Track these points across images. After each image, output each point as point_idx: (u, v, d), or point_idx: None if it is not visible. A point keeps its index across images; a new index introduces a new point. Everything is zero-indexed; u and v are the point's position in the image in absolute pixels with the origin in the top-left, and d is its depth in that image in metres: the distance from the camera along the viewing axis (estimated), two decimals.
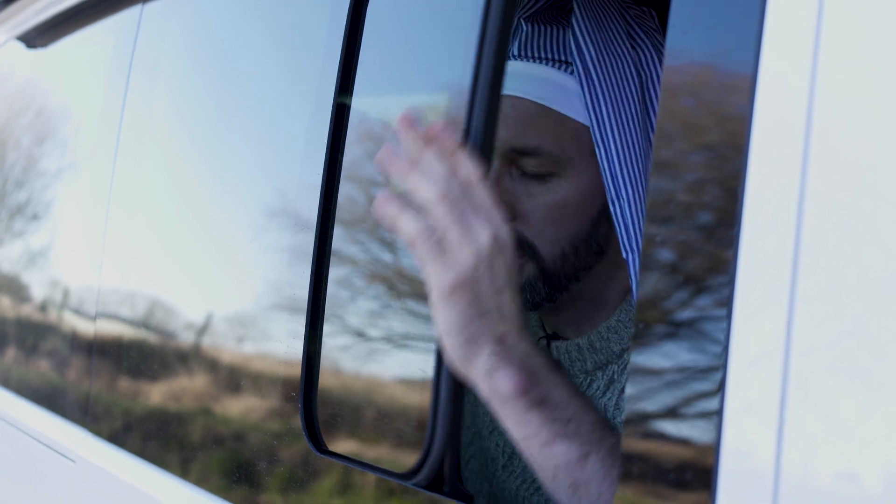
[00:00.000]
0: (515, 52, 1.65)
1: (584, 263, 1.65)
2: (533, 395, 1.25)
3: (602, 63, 1.62)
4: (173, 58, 2.44)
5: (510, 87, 1.59)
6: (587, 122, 1.61)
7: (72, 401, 2.62)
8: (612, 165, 1.57)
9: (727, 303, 1.03)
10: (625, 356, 1.65)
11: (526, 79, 1.63)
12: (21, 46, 3.52)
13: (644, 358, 1.12)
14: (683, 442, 1.07)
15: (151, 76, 2.48)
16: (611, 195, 1.56)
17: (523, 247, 1.60)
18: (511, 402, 1.25)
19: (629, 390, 1.12)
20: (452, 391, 1.35)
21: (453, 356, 1.27)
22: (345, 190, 1.72)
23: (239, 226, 2.09)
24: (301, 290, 1.75)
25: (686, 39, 1.12)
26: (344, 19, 1.74)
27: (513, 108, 1.61)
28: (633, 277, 1.54)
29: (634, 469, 1.11)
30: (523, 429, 1.26)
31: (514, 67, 1.63)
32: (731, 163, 1.05)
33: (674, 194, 1.12)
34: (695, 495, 1.04)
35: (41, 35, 3.33)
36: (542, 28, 1.66)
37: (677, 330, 1.10)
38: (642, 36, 1.67)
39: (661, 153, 1.13)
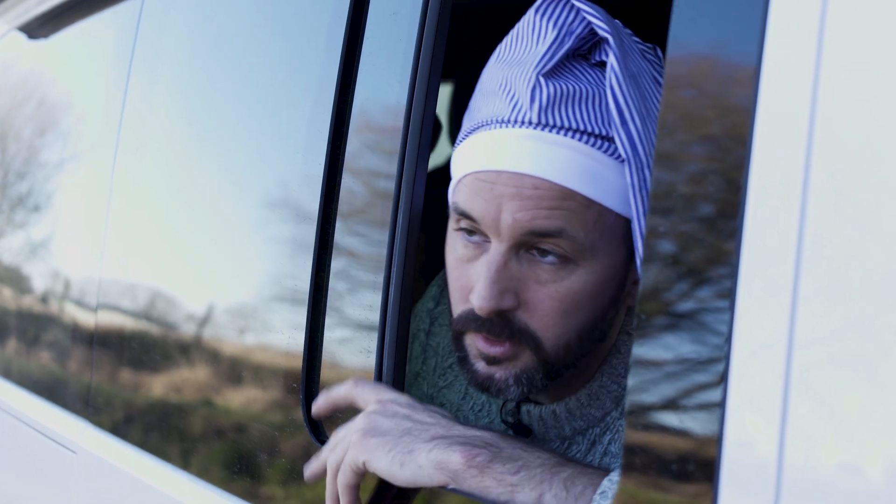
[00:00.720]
0: (534, 119, 1.43)
1: (586, 351, 1.51)
2: (481, 458, 1.32)
3: (648, 138, 1.42)
4: (174, 49, 2.43)
5: (530, 165, 1.42)
6: (614, 208, 1.44)
7: (73, 392, 2.62)
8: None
9: (729, 295, 1.03)
10: (607, 419, 1.55)
11: (550, 156, 1.43)
12: (23, 37, 3.51)
13: (646, 350, 1.12)
14: (685, 434, 1.07)
15: (152, 67, 2.48)
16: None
17: (525, 338, 1.46)
18: (464, 473, 1.32)
19: (631, 382, 1.12)
20: (394, 377, 1.52)
21: (405, 473, 1.36)
22: (346, 181, 1.72)
23: (240, 217, 2.09)
24: (302, 281, 1.75)
25: (689, 30, 1.12)
26: (346, 10, 1.74)
27: (535, 188, 1.42)
28: None
29: (637, 461, 1.11)
30: (487, 493, 1.31)
31: (535, 139, 1.43)
32: (733, 155, 1.05)
33: (676, 186, 1.12)
34: (697, 487, 1.04)
35: (43, 26, 3.32)
36: (569, 89, 1.44)
37: (679, 322, 1.10)
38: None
39: (663, 145, 1.13)
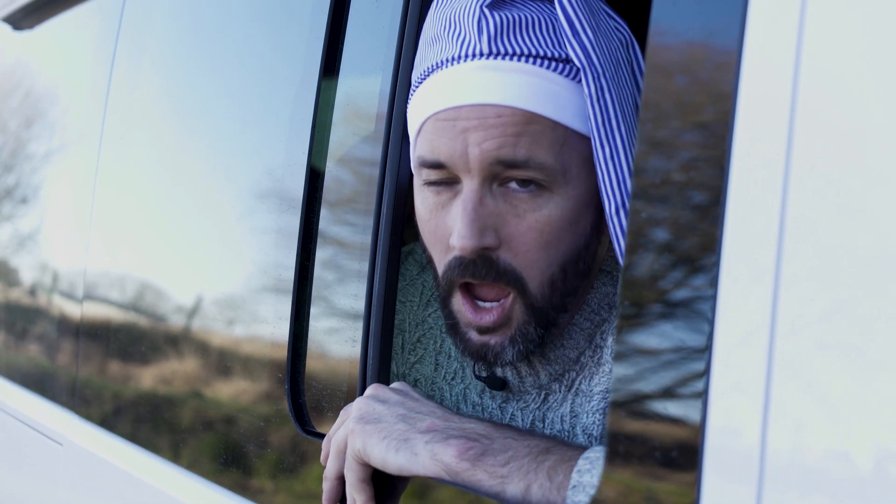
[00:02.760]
0: (484, 50, 1.42)
1: (571, 287, 1.48)
2: (473, 451, 1.32)
3: (601, 50, 1.42)
4: (158, 38, 2.43)
5: (488, 94, 1.41)
6: (577, 128, 1.43)
7: (59, 384, 2.62)
8: (618, 173, 1.38)
9: (713, 282, 1.02)
10: (582, 360, 1.53)
11: (507, 83, 1.42)
12: (7, 28, 3.50)
13: (630, 338, 1.11)
14: (670, 421, 1.07)
15: (137, 57, 2.47)
16: (613, 207, 1.38)
17: (510, 279, 1.44)
18: (457, 467, 1.32)
19: (617, 371, 1.12)
20: (379, 368, 1.54)
21: (399, 460, 1.36)
22: (331, 170, 1.71)
23: (226, 207, 2.08)
24: (287, 270, 1.75)
25: (671, 16, 1.11)
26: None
27: (497, 116, 1.40)
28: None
29: (621, 448, 1.11)
30: (480, 486, 1.32)
31: (489, 69, 1.42)
32: (716, 140, 1.04)
33: (658, 172, 1.11)
34: (681, 474, 1.04)
35: (28, 16, 3.31)
36: (515, 17, 1.43)
37: (663, 308, 1.09)
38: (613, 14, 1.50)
39: (645, 130, 1.12)
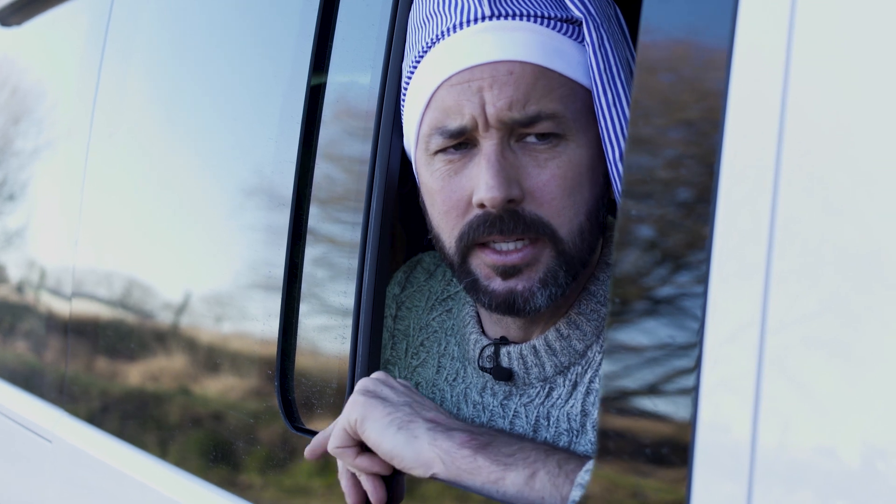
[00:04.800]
0: (486, 13, 1.47)
1: (594, 241, 1.50)
2: (477, 441, 1.32)
3: (595, 4, 1.49)
4: (147, 35, 2.42)
5: (499, 52, 1.46)
6: (582, 81, 1.47)
7: (48, 381, 2.61)
8: (619, 121, 1.43)
9: (703, 279, 1.03)
10: (589, 354, 1.52)
11: (515, 40, 1.46)
12: None
13: (620, 334, 1.12)
14: (660, 417, 1.07)
15: (125, 54, 2.46)
16: (616, 154, 1.43)
17: (540, 229, 1.45)
18: (459, 454, 1.32)
19: (606, 367, 1.12)
20: (368, 363, 1.53)
21: (398, 438, 1.36)
22: (320, 167, 1.71)
23: (214, 204, 2.08)
24: (277, 268, 1.75)
25: (660, 15, 1.11)
26: None
27: (509, 73, 1.45)
28: None
29: (611, 445, 1.11)
30: (476, 476, 1.31)
31: (495, 29, 1.47)
32: (706, 138, 1.04)
33: (649, 170, 1.11)
34: (671, 471, 1.04)
35: (15, 13, 3.30)
36: None
37: (653, 305, 1.10)
38: None
39: (636, 129, 1.12)
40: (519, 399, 1.55)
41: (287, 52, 1.84)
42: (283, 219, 1.73)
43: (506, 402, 1.56)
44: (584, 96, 1.48)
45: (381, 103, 1.59)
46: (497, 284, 1.47)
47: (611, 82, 1.45)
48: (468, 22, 1.47)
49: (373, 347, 1.56)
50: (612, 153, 1.43)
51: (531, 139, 1.46)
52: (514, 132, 1.45)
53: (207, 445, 1.94)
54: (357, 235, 1.58)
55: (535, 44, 1.46)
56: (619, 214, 1.13)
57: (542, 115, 1.45)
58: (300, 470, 1.67)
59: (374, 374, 1.47)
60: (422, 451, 1.34)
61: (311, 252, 1.70)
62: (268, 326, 1.75)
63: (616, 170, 1.43)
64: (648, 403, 1.09)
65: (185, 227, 2.19)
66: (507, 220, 1.44)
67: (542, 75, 1.45)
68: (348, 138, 1.68)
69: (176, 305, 2.16)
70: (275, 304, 1.73)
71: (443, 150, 1.48)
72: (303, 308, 1.70)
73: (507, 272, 1.46)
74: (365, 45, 1.65)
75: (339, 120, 1.70)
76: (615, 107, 1.44)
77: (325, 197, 1.70)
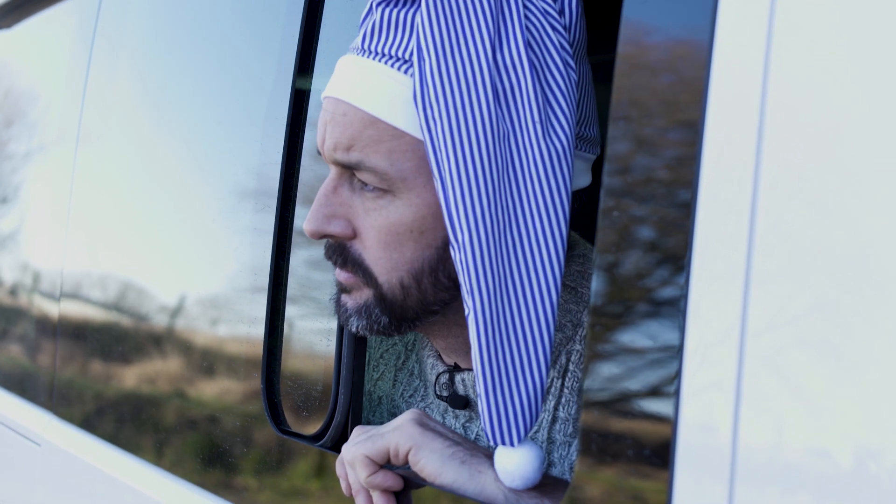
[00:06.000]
0: (359, 46, 1.41)
1: (437, 298, 1.43)
2: (546, 485, 1.30)
3: (449, 63, 1.32)
4: (135, 37, 2.42)
5: (343, 90, 1.40)
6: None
7: (38, 384, 2.61)
8: (447, 198, 1.30)
9: (686, 279, 1.02)
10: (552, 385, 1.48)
11: (361, 82, 1.39)
12: None
13: (603, 336, 1.11)
14: (643, 418, 1.07)
15: (114, 56, 2.46)
16: (449, 234, 1.30)
17: (358, 269, 1.43)
18: (526, 493, 1.29)
19: (590, 369, 1.12)
20: (353, 364, 1.54)
21: (460, 475, 1.32)
22: (306, 168, 1.71)
23: (202, 205, 2.08)
24: (263, 269, 1.74)
25: (641, 16, 1.11)
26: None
27: (344, 115, 1.39)
28: (476, 337, 1.27)
29: (594, 446, 1.11)
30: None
31: (358, 65, 1.40)
32: (687, 139, 1.04)
33: (630, 171, 1.11)
34: (654, 471, 1.04)
35: (6, 16, 3.30)
36: (398, 16, 1.38)
37: (635, 306, 1.09)
38: (541, 33, 1.35)
39: (616, 128, 1.12)
40: (480, 424, 1.53)
41: (273, 52, 1.84)
42: (269, 220, 1.73)
43: (468, 424, 1.54)
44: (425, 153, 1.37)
45: None
46: (338, 296, 1.49)
47: (440, 168, 1.31)
48: (352, 49, 1.44)
49: (358, 350, 1.56)
50: (449, 204, 1.30)
51: (361, 183, 1.41)
52: (350, 171, 1.41)
53: (196, 449, 1.94)
54: None
55: (380, 90, 1.38)
56: (602, 216, 1.12)
57: (363, 167, 1.38)
58: (288, 473, 1.67)
59: (414, 412, 1.40)
60: (486, 485, 1.32)
61: (296, 254, 1.70)
62: (254, 329, 1.75)
63: (461, 256, 1.29)
64: (632, 404, 1.08)
65: (174, 229, 2.19)
66: (333, 252, 1.45)
67: (373, 125, 1.38)
68: None
69: (165, 308, 2.16)
70: (261, 306, 1.73)
71: None
72: (289, 310, 1.70)
73: (341, 287, 1.47)
74: (350, 44, 1.65)
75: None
76: (450, 190, 1.30)
77: (311, 198, 1.70)
